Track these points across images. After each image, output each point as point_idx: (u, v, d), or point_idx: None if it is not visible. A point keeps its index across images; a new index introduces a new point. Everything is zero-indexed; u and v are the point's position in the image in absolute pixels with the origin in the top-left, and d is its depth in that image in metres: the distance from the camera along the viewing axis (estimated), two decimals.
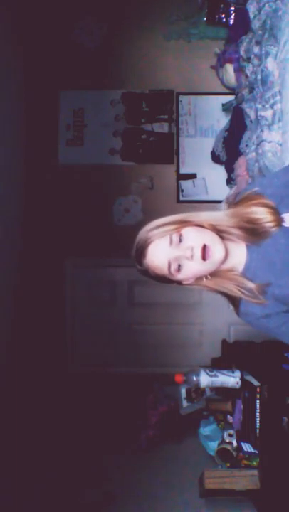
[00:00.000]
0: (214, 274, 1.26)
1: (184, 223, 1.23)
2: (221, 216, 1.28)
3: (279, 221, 1.25)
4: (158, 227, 1.23)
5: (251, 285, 1.24)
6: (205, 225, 1.24)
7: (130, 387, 3.46)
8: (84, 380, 3.65)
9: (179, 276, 1.24)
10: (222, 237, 1.25)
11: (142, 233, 1.25)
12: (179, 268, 1.22)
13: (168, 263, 1.22)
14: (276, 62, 2.59)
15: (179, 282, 1.28)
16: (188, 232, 1.22)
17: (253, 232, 1.25)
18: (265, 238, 1.25)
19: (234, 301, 1.30)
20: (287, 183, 1.31)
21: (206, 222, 1.25)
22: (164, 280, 1.28)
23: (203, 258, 1.21)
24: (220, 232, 1.25)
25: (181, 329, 3.85)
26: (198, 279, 1.27)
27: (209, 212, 1.30)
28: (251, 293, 1.24)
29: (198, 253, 1.20)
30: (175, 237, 1.21)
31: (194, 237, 1.21)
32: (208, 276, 1.26)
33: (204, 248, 1.20)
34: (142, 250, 1.24)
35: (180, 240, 1.21)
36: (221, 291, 1.29)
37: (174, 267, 1.22)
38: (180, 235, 1.22)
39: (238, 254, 1.28)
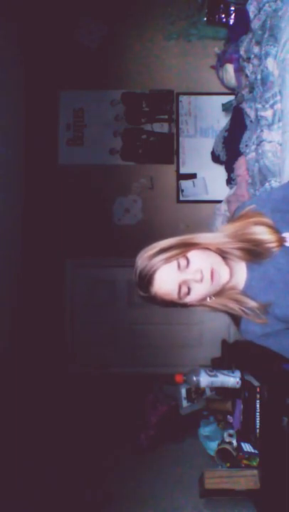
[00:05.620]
0: (217, 293, 1.25)
1: (189, 246, 1.22)
2: (222, 237, 1.27)
3: (280, 241, 1.24)
4: (161, 252, 1.20)
5: (253, 304, 1.24)
6: (210, 247, 1.24)
7: (130, 387, 3.46)
8: (84, 380, 3.65)
9: (187, 299, 1.23)
10: (224, 258, 1.25)
11: (144, 260, 1.22)
12: (189, 291, 1.21)
13: (178, 287, 1.20)
14: (276, 62, 2.58)
15: (184, 305, 1.27)
16: (194, 255, 1.21)
17: (254, 253, 1.25)
18: (265, 258, 1.25)
19: (235, 319, 1.31)
20: (285, 198, 1.31)
21: (210, 244, 1.24)
22: (170, 304, 1.26)
23: (212, 279, 1.20)
24: (222, 253, 1.25)
25: (181, 329, 3.85)
26: (202, 299, 1.26)
27: (209, 233, 1.29)
28: (253, 312, 1.24)
29: (208, 275, 1.19)
30: (182, 261, 1.20)
31: (201, 260, 1.21)
32: (212, 297, 1.25)
33: (212, 270, 1.20)
34: (148, 278, 1.21)
35: (187, 264, 1.20)
36: (224, 310, 1.29)
37: (183, 290, 1.21)
38: (187, 259, 1.20)
39: (239, 273, 1.28)
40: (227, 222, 1.34)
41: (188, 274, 1.20)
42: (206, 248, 1.23)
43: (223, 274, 1.22)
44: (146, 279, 1.21)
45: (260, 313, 1.23)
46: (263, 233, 1.24)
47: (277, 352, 1.32)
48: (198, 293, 1.22)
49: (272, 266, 1.25)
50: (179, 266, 1.20)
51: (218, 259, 1.23)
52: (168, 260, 1.20)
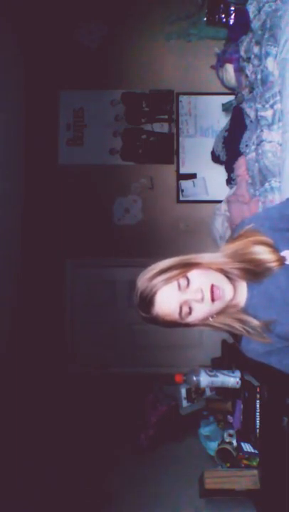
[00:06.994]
0: (219, 312, 1.25)
1: (189, 266, 1.21)
2: (222, 257, 1.26)
3: (280, 260, 1.24)
4: (161, 273, 1.20)
5: (255, 323, 1.23)
6: (210, 266, 1.23)
7: (130, 387, 3.46)
8: (84, 380, 3.65)
9: (189, 319, 1.23)
10: (227, 277, 1.24)
11: (144, 281, 1.21)
12: (190, 311, 1.21)
13: (179, 308, 1.20)
14: (276, 62, 2.59)
15: (187, 325, 1.27)
16: (194, 274, 1.20)
17: (254, 272, 1.25)
18: (266, 276, 1.25)
19: (236, 336, 1.31)
20: (283, 216, 1.31)
21: (211, 264, 1.24)
22: (172, 325, 1.26)
23: (212, 299, 1.19)
24: (223, 273, 1.24)
25: (181, 329, 3.83)
26: (205, 319, 1.25)
27: (209, 253, 1.28)
28: (255, 331, 1.23)
29: (208, 295, 1.19)
30: (183, 282, 1.19)
31: (201, 279, 1.20)
32: (214, 316, 1.25)
33: (212, 288, 1.19)
34: (149, 299, 1.20)
35: (188, 284, 1.20)
36: (227, 330, 1.28)
37: (185, 310, 1.20)
38: (187, 279, 1.20)
39: (240, 292, 1.28)
40: (227, 242, 1.33)
41: (189, 294, 1.19)
42: (207, 268, 1.23)
43: (228, 292, 1.21)
44: (147, 301, 1.21)
45: (262, 332, 1.23)
46: (263, 253, 1.24)
47: (278, 369, 1.32)
48: (199, 312, 1.21)
49: (272, 284, 1.25)
50: (179, 286, 1.19)
51: (220, 276, 1.22)
52: (168, 281, 1.19)
